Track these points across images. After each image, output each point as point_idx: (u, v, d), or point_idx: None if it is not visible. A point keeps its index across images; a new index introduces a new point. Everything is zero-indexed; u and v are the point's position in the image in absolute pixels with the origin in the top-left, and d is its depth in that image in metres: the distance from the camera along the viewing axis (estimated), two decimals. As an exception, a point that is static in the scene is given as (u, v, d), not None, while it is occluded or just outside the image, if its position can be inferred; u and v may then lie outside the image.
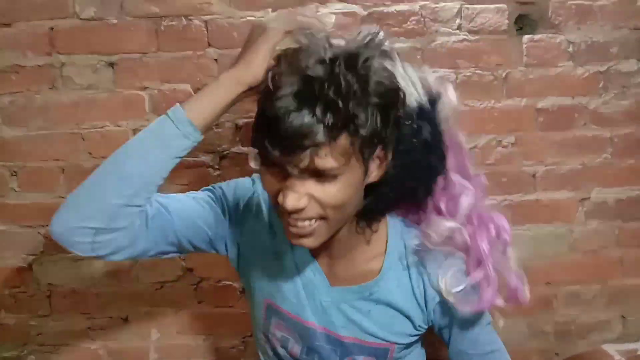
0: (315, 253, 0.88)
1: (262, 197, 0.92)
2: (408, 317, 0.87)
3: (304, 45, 0.72)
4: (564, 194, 1.46)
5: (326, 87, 0.65)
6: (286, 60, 0.72)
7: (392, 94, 0.72)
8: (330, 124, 0.65)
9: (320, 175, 0.68)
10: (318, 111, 0.64)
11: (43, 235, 1.44)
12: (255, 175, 0.97)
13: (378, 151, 0.74)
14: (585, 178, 1.46)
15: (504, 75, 1.41)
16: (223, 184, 0.95)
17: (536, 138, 1.43)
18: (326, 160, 0.66)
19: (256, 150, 0.71)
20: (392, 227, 0.88)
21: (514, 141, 1.43)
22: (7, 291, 1.48)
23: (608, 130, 1.44)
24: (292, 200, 0.68)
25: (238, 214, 0.91)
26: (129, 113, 1.38)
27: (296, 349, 0.92)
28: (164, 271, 1.46)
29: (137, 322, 1.49)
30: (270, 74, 0.71)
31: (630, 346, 1.45)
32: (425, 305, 0.87)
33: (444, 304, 0.87)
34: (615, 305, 1.53)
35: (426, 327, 0.92)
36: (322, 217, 0.72)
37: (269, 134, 0.67)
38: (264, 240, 0.90)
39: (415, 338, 0.92)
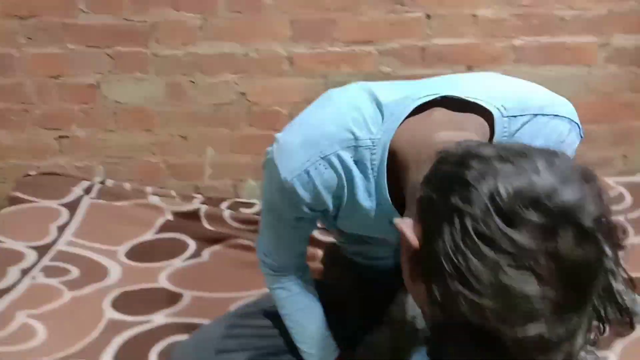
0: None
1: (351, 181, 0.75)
2: None
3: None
4: (588, 37, 1.59)
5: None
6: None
7: None
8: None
9: None
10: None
11: (109, 55, 1.58)
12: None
13: None
14: (609, 24, 1.57)
15: None
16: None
17: (569, -18, 1.53)
18: None
19: None
20: None
21: (549, -16, 1.53)
22: (77, 107, 1.64)
23: (638, -22, 1.54)
24: None
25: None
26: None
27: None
28: (220, 94, 1.61)
29: (194, 140, 1.67)
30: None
31: (629, 178, 1.65)
32: None
33: None
34: (620, 145, 1.71)
35: None
36: None
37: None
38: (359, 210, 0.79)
39: None
